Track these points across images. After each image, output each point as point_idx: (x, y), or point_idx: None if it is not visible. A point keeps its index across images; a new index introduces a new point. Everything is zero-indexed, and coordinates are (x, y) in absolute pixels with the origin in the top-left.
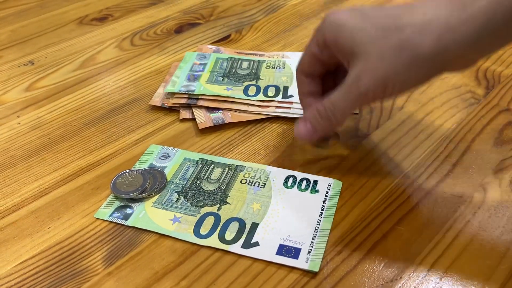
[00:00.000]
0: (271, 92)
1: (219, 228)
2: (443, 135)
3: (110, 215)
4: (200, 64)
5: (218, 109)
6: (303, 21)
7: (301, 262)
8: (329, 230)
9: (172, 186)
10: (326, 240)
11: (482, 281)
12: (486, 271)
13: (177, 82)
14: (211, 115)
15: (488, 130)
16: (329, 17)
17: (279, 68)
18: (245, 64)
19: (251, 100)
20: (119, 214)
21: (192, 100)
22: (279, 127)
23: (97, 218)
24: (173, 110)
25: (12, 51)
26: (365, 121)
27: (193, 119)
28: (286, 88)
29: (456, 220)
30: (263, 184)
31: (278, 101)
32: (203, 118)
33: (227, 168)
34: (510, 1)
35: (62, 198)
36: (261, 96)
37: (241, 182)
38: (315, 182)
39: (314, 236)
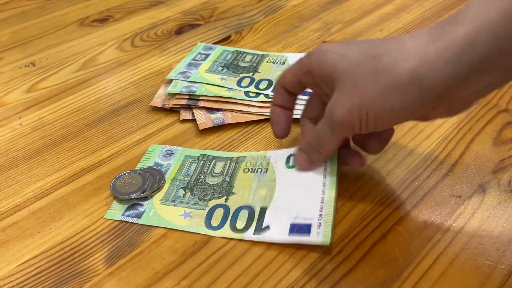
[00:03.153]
0: (263, 85)
1: (229, 218)
2: (443, 135)
3: (122, 215)
4: (204, 54)
5: (218, 109)
6: (303, 22)
7: (313, 237)
8: (333, 198)
9: (177, 182)
10: (333, 209)
11: (481, 280)
12: (485, 270)
13: (178, 70)
14: (212, 115)
15: (487, 131)
16: (319, 46)
17: (279, 63)
18: (248, 58)
19: (251, 101)
20: (131, 212)
21: (192, 101)
22: None
23: (107, 219)
24: (173, 111)
25: (14, 52)
26: None
27: (194, 120)
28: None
29: (455, 220)
30: (266, 169)
31: None
32: (203, 118)
33: (228, 161)
34: (493, 26)
35: (64, 198)
36: (252, 88)
37: (244, 171)
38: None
39: (321, 208)
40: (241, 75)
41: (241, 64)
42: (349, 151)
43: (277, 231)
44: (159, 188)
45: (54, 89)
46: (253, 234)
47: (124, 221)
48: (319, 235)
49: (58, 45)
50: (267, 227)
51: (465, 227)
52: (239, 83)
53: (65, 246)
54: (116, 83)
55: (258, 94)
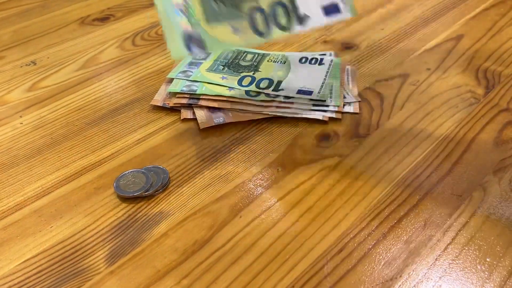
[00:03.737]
0: (263, 84)
1: (255, 82)
2: (443, 134)
3: (179, 74)
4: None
5: (219, 109)
6: None
7: (313, 97)
8: (331, 83)
9: (218, 62)
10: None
11: (482, 279)
12: (486, 269)
13: (179, 69)
14: (213, 115)
15: (488, 130)
16: None
17: (280, 62)
18: (249, 57)
19: (252, 100)
20: (183, 72)
21: (193, 100)
22: (280, 127)
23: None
24: (174, 110)
25: (15, 51)
26: (365, 121)
27: (195, 119)
28: (279, 82)
29: (456, 219)
30: (284, 61)
31: (279, 101)
32: (204, 118)
33: (257, 54)
34: None
35: (65, 197)
36: (253, 87)
37: (267, 61)
38: (321, 59)
39: (322, 86)
40: (242, 74)
41: (242, 63)
42: None
43: (288, 91)
44: (163, 187)
45: (55, 88)
46: (272, 90)
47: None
48: (318, 97)
49: (59, 44)
50: (282, 89)
51: (466, 227)
52: (240, 82)
53: (66, 245)
54: (117, 82)
55: (258, 93)
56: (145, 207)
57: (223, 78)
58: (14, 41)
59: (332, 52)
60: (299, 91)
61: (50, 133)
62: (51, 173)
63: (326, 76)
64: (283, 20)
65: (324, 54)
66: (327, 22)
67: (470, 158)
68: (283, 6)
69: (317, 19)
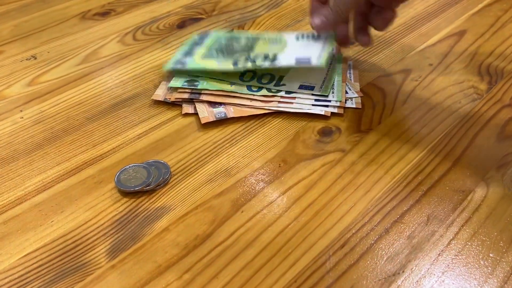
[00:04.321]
0: (265, 79)
1: (256, 77)
2: (446, 130)
3: (174, 64)
4: (199, 43)
5: (220, 103)
6: (306, 16)
7: (314, 61)
8: (326, 58)
9: (213, 48)
10: (332, 83)
11: (485, 275)
12: (489, 265)
13: (174, 59)
14: (214, 109)
15: (490, 126)
16: None
17: (275, 42)
18: (243, 41)
19: (254, 95)
20: (178, 62)
21: (194, 95)
22: (281, 122)
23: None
24: (175, 104)
25: (15, 45)
26: (367, 116)
27: (196, 114)
28: (275, 56)
29: (458, 215)
30: (279, 40)
31: (281, 96)
32: (205, 112)
33: (251, 38)
34: None
35: (65, 191)
36: (254, 83)
37: (262, 42)
38: (318, 35)
39: (323, 80)
40: (236, 56)
41: (236, 47)
42: (360, 30)
43: (285, 61)
44: (164, 182)
45: (55, 82)
46: (266, 63)
47: (176, 68)
48: (320, 92)
49: (60, 39)
50: (279, 61)
51: (469, 222)
52: (235, 64)
53: (67, 239)
54: (117, 76)
55: (260, 88)
56: (146, 202)
57: (218, 63)
58: (14, 36)
59: (333, 47)
60: (301, 86)
61: (51, 128)
62: (52, 168)
63: (322, 47)
64: (259, 61)
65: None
66: (292, 65)
67: (473, 153)
68: (266, 54)
69: (284, 62)
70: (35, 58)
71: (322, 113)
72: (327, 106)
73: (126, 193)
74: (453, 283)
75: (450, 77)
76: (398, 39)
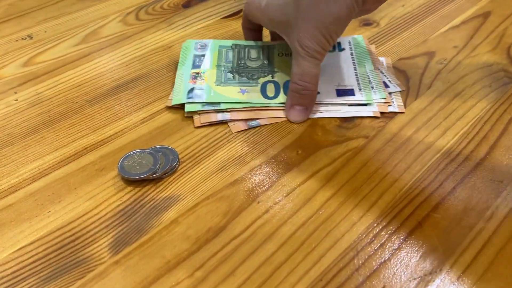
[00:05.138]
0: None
1: (281, 89)
2: (478, 115)
3: (187, 98)
4: (201, 56)
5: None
6: None
7: (358, 97)
8: (365, 73)
9: (222, 68)
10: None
11: None
12: None
13: (181, 88)
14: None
15: None
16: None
17: (290, 55)
18: (253, 54)
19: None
20: (192, 95)
21: (224, 115)
22: None
23: (173, 105)
24: None
25: (10, 25)
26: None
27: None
28: None
29: (498, 207)
30: None
31: (317, 103)
32: (239, 127)
33: (260, 48)
34: None
35: (64, 179)
36: (282, 97)
37: (278, 55)
38: (339, 43)
39: (358, 79)
40: (260, 81)
41: (250, 63)
42: None
43: (325, 94)
44: (172, 169)
45: (52, 63)
46: None
47: (190, 102)
48: (363, 96)
49: (57, 18)
50: (318, 92)
51: (510, 214)
52: (263, 92)
53: (66, 232)
54: (119, 57)
55: (277, 94)
56: (153, 191)
57: (242, 92)
58: (9, 15)
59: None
60: (339, 92)
61: (48, 111)
62: (49, 153)
63: (354, 63)
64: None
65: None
66: (335, 101)
67: (509, 140)
68: None
69: (326, 98)
70: (31, 38)
71: (371, 114)
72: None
73: (131, 182)
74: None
75: (477, 60)
76: (419, 21)
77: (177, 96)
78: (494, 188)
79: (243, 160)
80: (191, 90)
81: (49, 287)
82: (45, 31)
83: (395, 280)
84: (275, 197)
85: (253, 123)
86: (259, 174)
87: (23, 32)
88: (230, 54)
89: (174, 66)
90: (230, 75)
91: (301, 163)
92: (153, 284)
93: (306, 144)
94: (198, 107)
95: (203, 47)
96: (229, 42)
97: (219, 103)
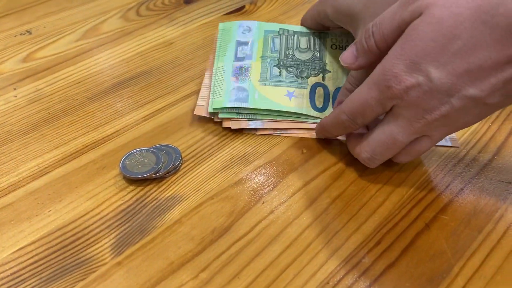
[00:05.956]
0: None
1: (330, 98)
2: None
3: (229, 101)
4: (245, 43)
5: (286, 129)
6: None
7: None
8: None
9: (268, 60)
10: None
11: None
12: None
13: (223, 88)
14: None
15: None
16: None
17: (342, 48)
18: (303, 42)
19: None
20: (235, 97)
21: (256, 123)
22: None
23: (215, 109)
24: (186, 84)
25: (9, 20)
26: None
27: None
28: None
29: (507, 208)
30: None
31: None
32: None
33: (311, 36)
34: None
35: (64, 178)
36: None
37: (332, 48)
38: None
39: None
40: (310, 81)
41: (299, 55)
42: None
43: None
44: (175, 168)
45: (52, 59)
46: None
47: (234, 107)
48: None
49: (57, 13)
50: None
51: None
52: (311, 97)
53: (66, 232)
54: (120, 54)
55: (326, 104)
56: (155, 190)
57: (289, 95)
58: (8, 9)
59: None
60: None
61: (47, 108)
62: (49, 151)
63: None
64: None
65: None
66: None
67: None
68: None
69: None
70: (30, 33)
71: (449, 144)
72: None
73: (133, 181)
74: None
75: None
76: None
77: (218, 98)
78: (503, 189)
79: (247, 159)
80: (233, 90)
81: None
82: (45, 26)
83: (404, 283)
84: (280, 197)
85: (277, 132)
86: (264, 173)
87: (23, 27)
88: (277, 41)
89: (176, 62)
90: (276, 70)
91: (306, 163)
92: (156, 286)
93: (311, 143)
94: (233, 115)
95: (247, 31)
96: (275, 26)
97: (256, 113)
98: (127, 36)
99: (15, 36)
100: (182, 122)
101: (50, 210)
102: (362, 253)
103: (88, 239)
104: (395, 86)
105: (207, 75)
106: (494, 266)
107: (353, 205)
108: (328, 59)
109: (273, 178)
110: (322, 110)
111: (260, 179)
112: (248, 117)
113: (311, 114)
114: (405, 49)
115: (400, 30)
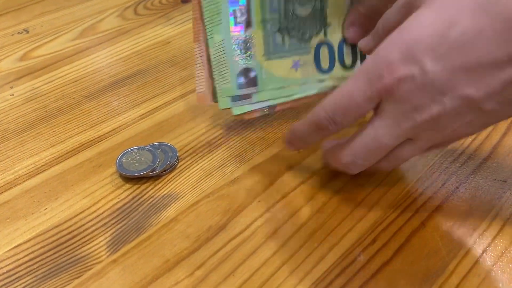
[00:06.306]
0: (347, 57)
1: (336, 56)
2: None
3: (239, 88)
4: (240, 7)
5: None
6: None
7: None
8: None
9: (268, 25)
10: None
11: None
12: None
13: (227, 71)
14: None
15: None
16: None
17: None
18: None
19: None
20: (245, 81)
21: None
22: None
23: (224, 108)
24: (184, 83)
25: (6, 18)
26: None
27: None
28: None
29: (502, 207)
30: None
31: None
32: None
33: None
34: None
35: (60, 176)
36: (339, 70)
37: (334, 5)
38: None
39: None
40: (313, 43)
41: (300, 11)
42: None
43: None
44: (171, 167)
45: (49, 57)
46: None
47: (244, 93)
48: None
49: (54, 12)
50: None
51: None
52: (317, 60)
53: (62, 229)
54: (117, 52)
55: (332, 64)
56: (152, 189)
57: (295, 66)
58: (5, 8)
59: None
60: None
61: (44, 106)
62: (45, 150)
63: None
64: (348, 60)
65: None
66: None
67: None
68: (352, 44)
69: None
70: (27, 32)
71: None
72: None
73: (129, 179)
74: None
75: None
76: None
77: (225, 84)
78: (498, 188)
79: (243, 158)
80: (240, 73)
81: (46, 286)
82: (42, 25)
83: (399, 281)
84: (276, 195)
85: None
86: (260, 172)
87: (20, 26)
88: None
89: (173, 61)
90: (279, 38)
91: (303, 161)
92: (152, 284)
93: None
94: (247, 108)
95: None
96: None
97: (269, 99)
98: (124, 35)
99: (12, 34)
100: (179, 120)
101: (46, 208)
102: (358, 251)
103: (84, 237)
104: (387, 76)
105: (197, 49)
106: (489, 264)
107: (348, 203)
108: (329, 10)
109: (269, 177)
110: (328, 71)
111: (256, 178)
112: (263, 106)
113: (317, 77)
114: (403, 34)
115: (404, 10)
